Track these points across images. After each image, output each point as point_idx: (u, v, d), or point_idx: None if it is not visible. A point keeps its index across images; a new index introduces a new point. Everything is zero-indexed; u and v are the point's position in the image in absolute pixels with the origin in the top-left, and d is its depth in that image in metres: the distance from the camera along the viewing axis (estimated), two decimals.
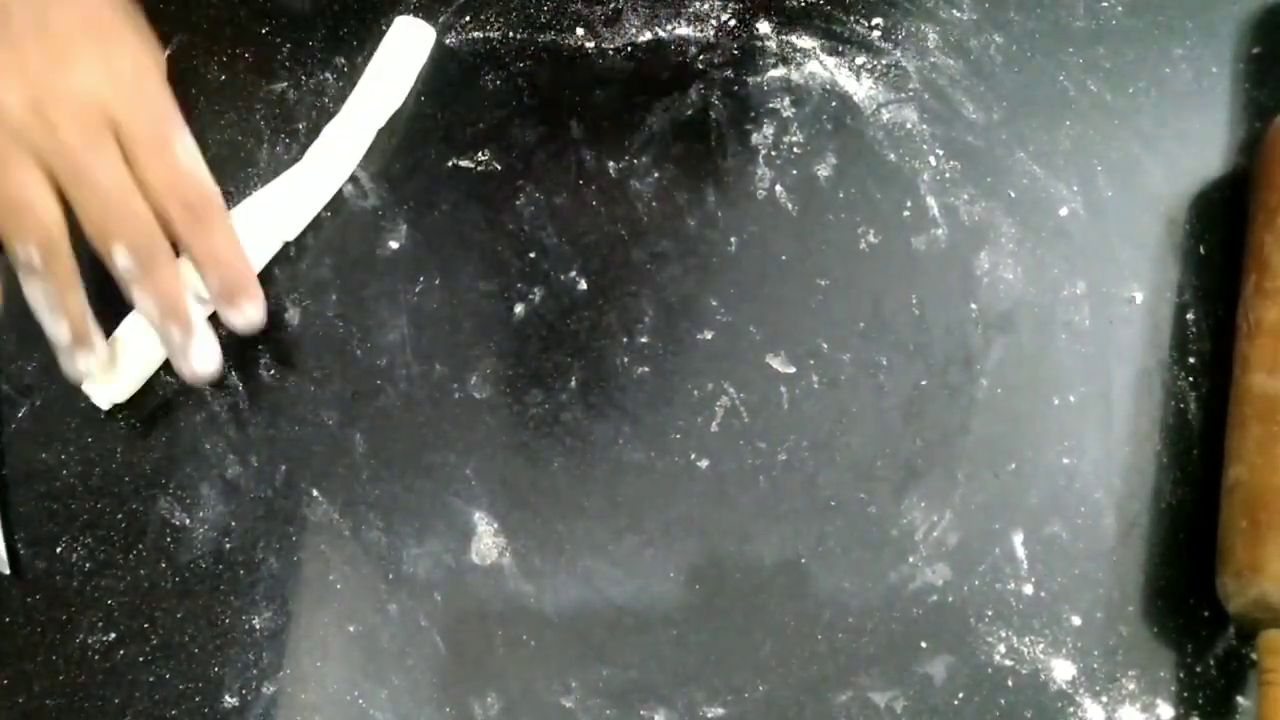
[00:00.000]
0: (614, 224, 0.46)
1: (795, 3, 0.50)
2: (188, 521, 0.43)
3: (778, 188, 0.47)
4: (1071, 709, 0.41)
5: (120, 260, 0.39)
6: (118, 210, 0.38)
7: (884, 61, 0.49)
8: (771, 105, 0.48)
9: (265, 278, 0.46)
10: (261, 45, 0.49)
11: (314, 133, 0.48)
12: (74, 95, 0.38)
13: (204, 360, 0.41)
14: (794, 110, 0.48)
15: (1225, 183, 0.48)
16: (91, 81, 0.38)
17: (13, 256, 0.39)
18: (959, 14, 0.50)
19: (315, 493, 0.43)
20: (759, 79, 0.49)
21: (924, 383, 0.45)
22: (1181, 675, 0.42)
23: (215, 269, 0.40)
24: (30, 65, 0.38)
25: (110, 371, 0.42)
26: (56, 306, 0.39)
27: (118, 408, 0.44)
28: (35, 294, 0.40)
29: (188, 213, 0.39)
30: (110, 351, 0.41)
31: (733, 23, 0.50)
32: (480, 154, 0.48)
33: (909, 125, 0.48)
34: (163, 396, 0.44)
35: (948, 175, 0.47)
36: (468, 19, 0.50)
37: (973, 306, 0.46)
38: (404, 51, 0.47)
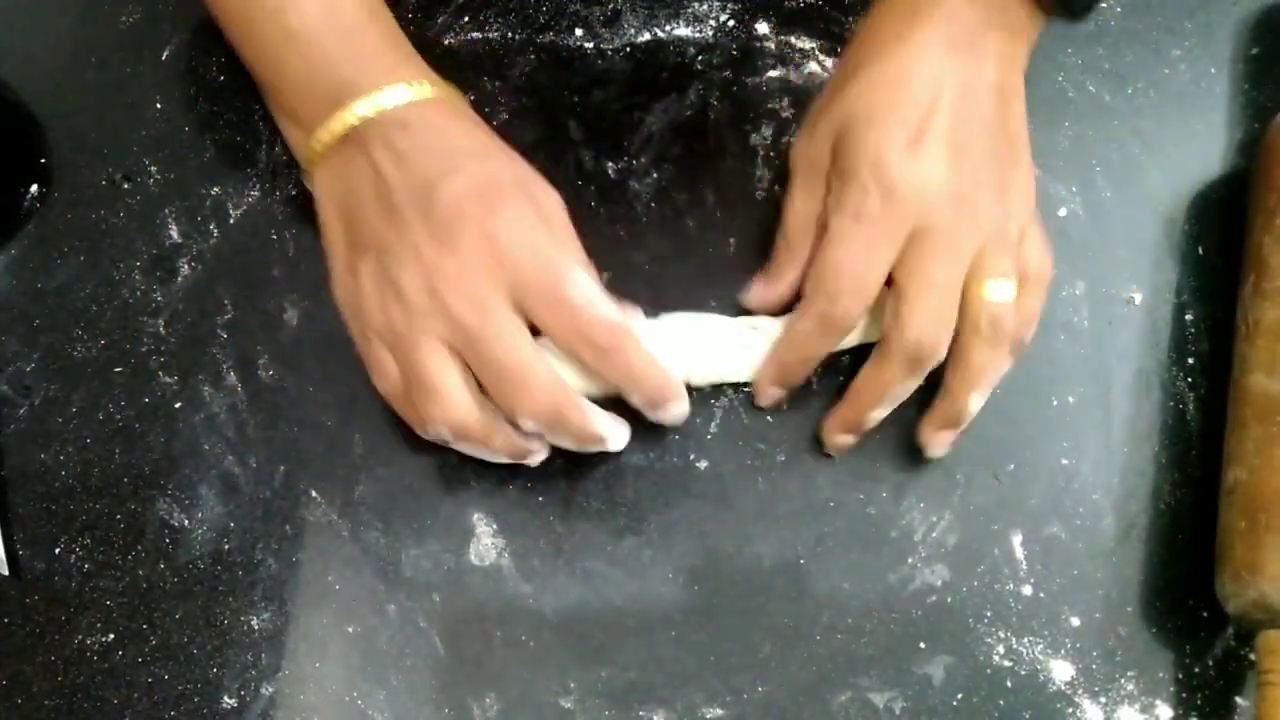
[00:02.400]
0: (613, 224, 0.46)
1: (794, 4, 0.50)
2: (186, 522, 0.43)
3: (777, 188, 0.47)
4: (1070, 709, 0.41)
5: (527, 426, 0.40)
6: (516, 384, 0.38)
7: None
8: (770, 106, 0.48)
9: (265, 278, 0.46)
10: None
11: None
12: (462, 272, 0.38)
13: (621, 438, 0.42)
14: (793, 111, 0.48)
15: (1224, 183, 0.48)
16: (477, 255, 0.38)
17: (429, 424, 0.40)
18: None
19: (314, 493, 0.43)
20: (758, 80, 0.49)
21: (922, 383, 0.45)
22: (1180, 676, 0.42)
23: (636, 389, 0.40)
24: (421, 248, 0.38)
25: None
26: (480, 453, 0.41)
27: (117, 407, 0.44)
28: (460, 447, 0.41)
29: (598, 353, 0.39)
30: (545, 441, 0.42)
31: (731, 23, 0.50)
32: None
33: None
34: (161, 397, 0.44)
35: None
36: (467, 19, 0.50)
37: None
38: None
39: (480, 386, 0.39)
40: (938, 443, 0.43)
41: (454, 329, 0.38)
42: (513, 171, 0.41)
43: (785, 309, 0.44)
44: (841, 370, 0.45)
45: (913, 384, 0.41)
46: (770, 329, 0.43)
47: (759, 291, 0.44)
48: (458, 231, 0.38)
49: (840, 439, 0.43)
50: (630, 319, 0.40)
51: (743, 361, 0.43)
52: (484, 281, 0.38)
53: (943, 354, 0.40)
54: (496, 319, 0.38)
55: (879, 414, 0.42)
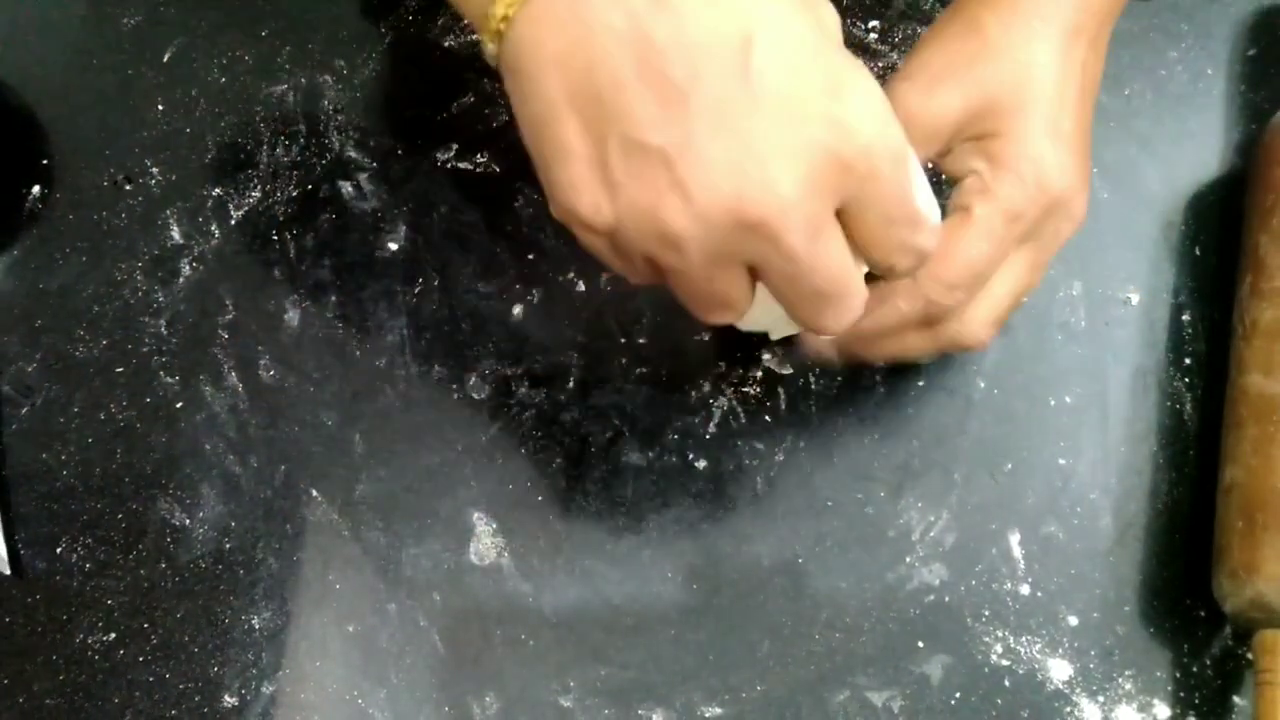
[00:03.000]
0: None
1: None
2: (187, 522, 0.43)
3: None
4: (1068, 709, 0.41)
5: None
6: (835, 305, 0.31)
7: (880, 64, 0.49)
8: None
9: (266, 278, 0.46)
10: (262, 47, 0.49)
11: (313, 134, 0.48)
12: (798, 182, 0.28)
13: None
14: None
15: (1221, 184, 0.48)
16: (819, 157, 0.28)
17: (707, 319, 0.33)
18: None
19: (314, 493, 0.43)
20: None
21: (920, 383, 0.45)
22: (1178, 675, 0.42)
23: (940, 296, 0.37)
24: (735, 157, 0.28)
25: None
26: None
27: (119, 407, 0.44)
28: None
29: (917, 260, 0.32)
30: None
31: None
32: (479, 156, 0.48)
33: None
34: (163, 397, 0.44)
35: (945, 177, 0.47)
36: (466, 21, 0.50)
37: None
38: None
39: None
40: (902, 349, 0.40)
41: (772, 253, 0.29)
42: (824, 17, 0.30)
43: None
44: (839, 370, 0.45)
45: (933, 357, 0.40)
46: None
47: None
48: (791, 127, 0.28)
49: (829, 353, 0.42)
50: None
51: None
52: (824, 193, 0.29)
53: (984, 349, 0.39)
54: (828, 242, 0.30)
55: (885, 359, 0.42)
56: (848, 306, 0.31)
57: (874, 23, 0.50)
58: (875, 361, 0.42)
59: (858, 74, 0.29)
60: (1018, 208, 0.37)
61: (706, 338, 0.45)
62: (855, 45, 0.50)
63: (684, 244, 0.29)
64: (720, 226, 0.28)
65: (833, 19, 0.30)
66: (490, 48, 0.30)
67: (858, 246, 0.31)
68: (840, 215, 0.30)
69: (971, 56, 0.37)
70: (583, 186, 0.30)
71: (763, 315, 0.36)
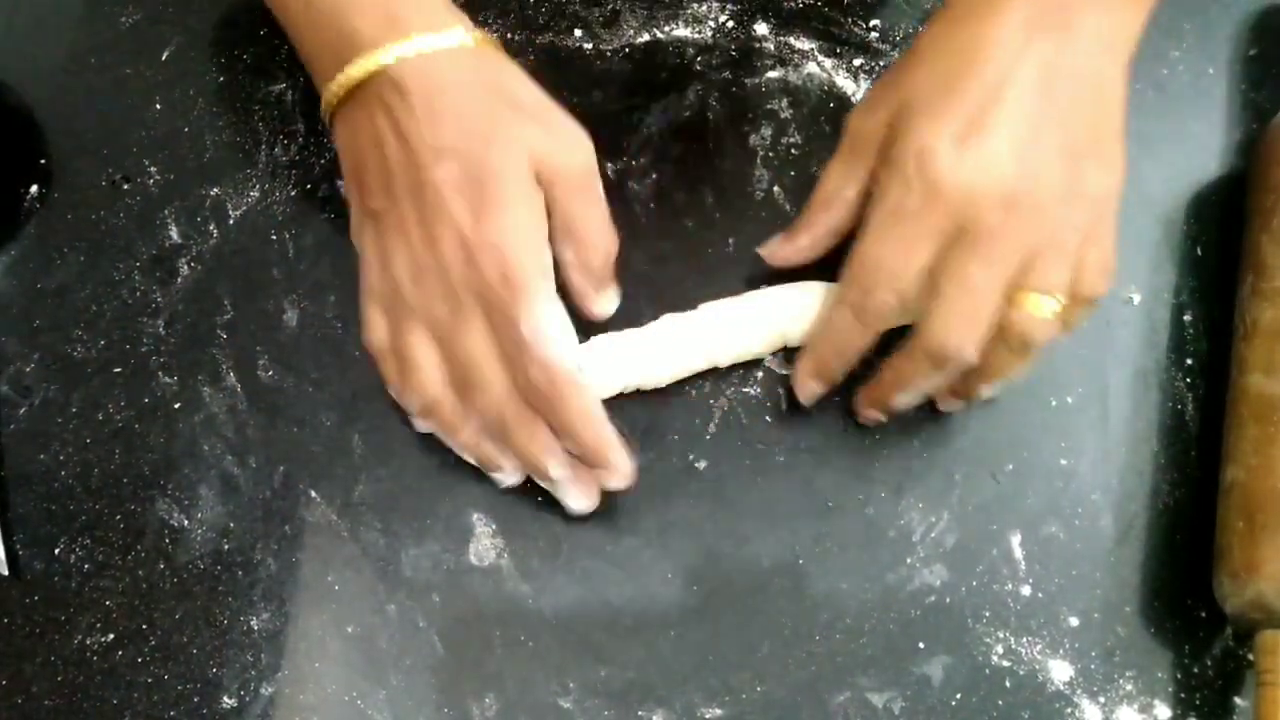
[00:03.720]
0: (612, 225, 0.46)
1: (793, 4, 0.50)
2: (186, 523, 0.43)
3: (776, 188, 0.47)
4: (1069, 709, 0.41)
5: (469, 427, 0.41)
6: (471, 384, 0.39)
7: (881, 63, 0.49)
8: (769, 106, 0.48)
9: (264, 278, 0.46)
10: (260, 47, 0.49)
11: (312, 134, 0.48)
12: (440, 270, 0.39)
13: (577, 505, 0.41)
14: (792, 111, 0.48)
15: (1222, 184, 0.48)
16: (453, 257, 0.38)
17: (400, 398, 0.42)
18: None
19: (313, 494, 0.43)
20: (757, 80, 0.49)
21: None
22: (1179, 675, 0.42)
23: (568, 439, 0.40)
24: (409, 233, 0.39)
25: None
26: (452, 443, 0.42)
27: (117, 408, 0.44)
28: (435, 430, 0.42)
29: (533, 390, 0.39)
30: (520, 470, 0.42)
31: (730, 24, 0.50)
32: None
33: None
34: (161, 398, 0.44)
35: None
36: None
37: None
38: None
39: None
40: (945, 405, 0.43)
41: (431, 319, 0.40)
42: (506, 156, 0.38)
43: (792, 274, 0.43)
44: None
45: (940, 380, 0.40)
46: (777, 298, 0.43)
47: (776, 247, 0.44)
48: (439, 229, 0.38)
49: (870, 413, 0.43)
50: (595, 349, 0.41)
51: (758, 335, 0.43)
52: (457, 280, 0.39)
53: (972, 358, 0.38)
54: (464, 321, 0.39)
55: (906, 400, 0.41)
56: (484, 396, 0.40)
57: (875, 21, 0.50)
58: (898, 404, 0.42)
59: (506, 200, 0.38)
60: (901, 203, 0.37)
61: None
62: (856, 45, 0.50)
63: (387, 285, 0.40)
64: (400, 276, 0.40)
65: (512, 157, 0.39)
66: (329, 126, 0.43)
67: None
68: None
69: (900, 65, 0.40)
70: (353, 230, 0.42)
71: None
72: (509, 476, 0.42)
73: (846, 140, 0.42)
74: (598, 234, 0.41)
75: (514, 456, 0.41)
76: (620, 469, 0.40)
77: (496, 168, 0.38)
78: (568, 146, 0.39)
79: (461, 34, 0.39)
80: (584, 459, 0.40)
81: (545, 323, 0.38)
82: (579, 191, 0.40)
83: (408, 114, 0.38)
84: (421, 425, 0.42)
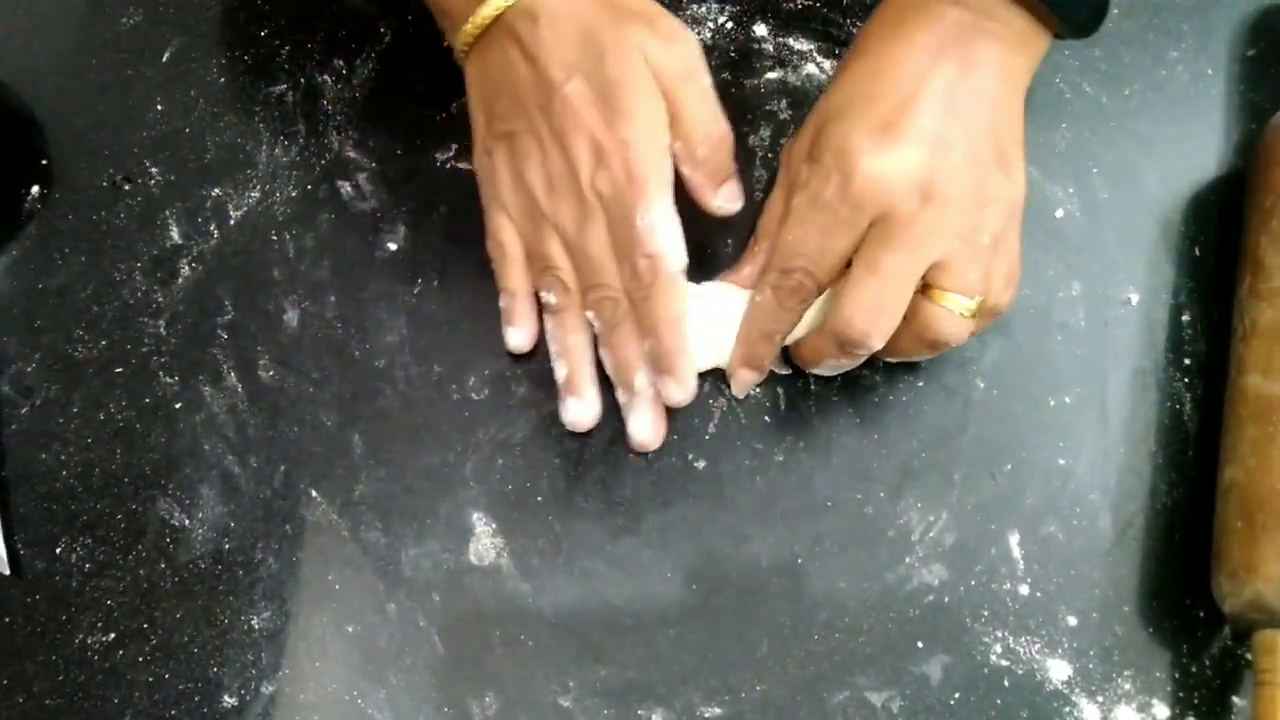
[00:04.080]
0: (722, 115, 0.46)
1: (792, 5, 0.50)
2: (187, 522, 0.43)
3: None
4: (1067, 709, 0.41)
5: (591, 319, 0.43)
6: (592, 279, 0.42)
7: None
8: (769, 107, 0.49)
9: (265, 279, 0.46)
10: (261, 48, 0.49)
11: (313, 134, 0.48)
12: (570, 176, 0.41)
13: (639, 430, 0.43)
14: (791, 112, 0.48)
15: (1220, 184, 0.48)
16: (583, 160, 0.41)
17: (544, 300, 0.44)
18: None
19: (314, 493, 0.43)
20: (756, 81, 0.49)
21: (920, 384, 0.45)
22: (1177, 675, 0.42)
23: (651, 337, 0.42)
24: (543, 145, 0.42)
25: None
26: (558, 348, 0.44)
27: (118, 408, 0.44)
28: (548, 331, 0.44)
29: (634, 279, 0.41)
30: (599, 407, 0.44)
31: (730, 25, 0.50)
32: None
33: None
34: (162, 398, 0.44)
35: None
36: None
37: None
38: None
39: None
40: (817, 359, 0.43)
41: (561, 225, 0.42)
42: (630, 70, 0.41)
43: None
44: (838, 384, 0.45)
45: (849, 363, 0.42)
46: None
47: (724, 278, 0.45)
48: (572, 137, 0.41)
49: (746, 374, 0.44)
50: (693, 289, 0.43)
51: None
52: (585, 187, 0.41)
53: (878, 344, 0.40)
54: (591, 221, 0.41)
55: (819, 372, 0.44)
56: (606, 291, 0.42)
57: None
58: (814, 370, 0.44)
59: (631, 107, 0.40)
60: (820, 191, 0.40)
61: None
62: None
63: (520, 198, 0.43)
64: (535, 188, 0.42)
65: (636, 71, 0.41)
66: (462, 65, 0.45)
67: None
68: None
69: (822, 98, 0.43)
70: (478, 155, 0.45)
71: (705, 355, 0.43)
72: (586, 409, 0.43)
73: (781, 170, 0.44)
74: (705, 122, 0.42)
75: (610, 361, 0.43)
76: (686, 382, 0.42)
77: (618, 76, 0.41)
78: (671, 41, 0.41)
79: None
80: (658, 362, 0.42)
81: (660, 219, 0.41)
82: (683, 82, 0.41)
83: (535, 39, 0.41)
84: (515, 338, 0.44)
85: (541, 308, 0.44)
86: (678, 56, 0.41)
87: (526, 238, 0.44)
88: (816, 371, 0.44)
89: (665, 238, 0.41)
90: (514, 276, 0.44)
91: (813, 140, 0.42)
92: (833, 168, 0.39)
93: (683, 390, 0.42)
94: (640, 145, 0.40)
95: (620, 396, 0.43)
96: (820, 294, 0.42)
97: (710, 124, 0.42)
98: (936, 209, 0.39)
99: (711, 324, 0.43)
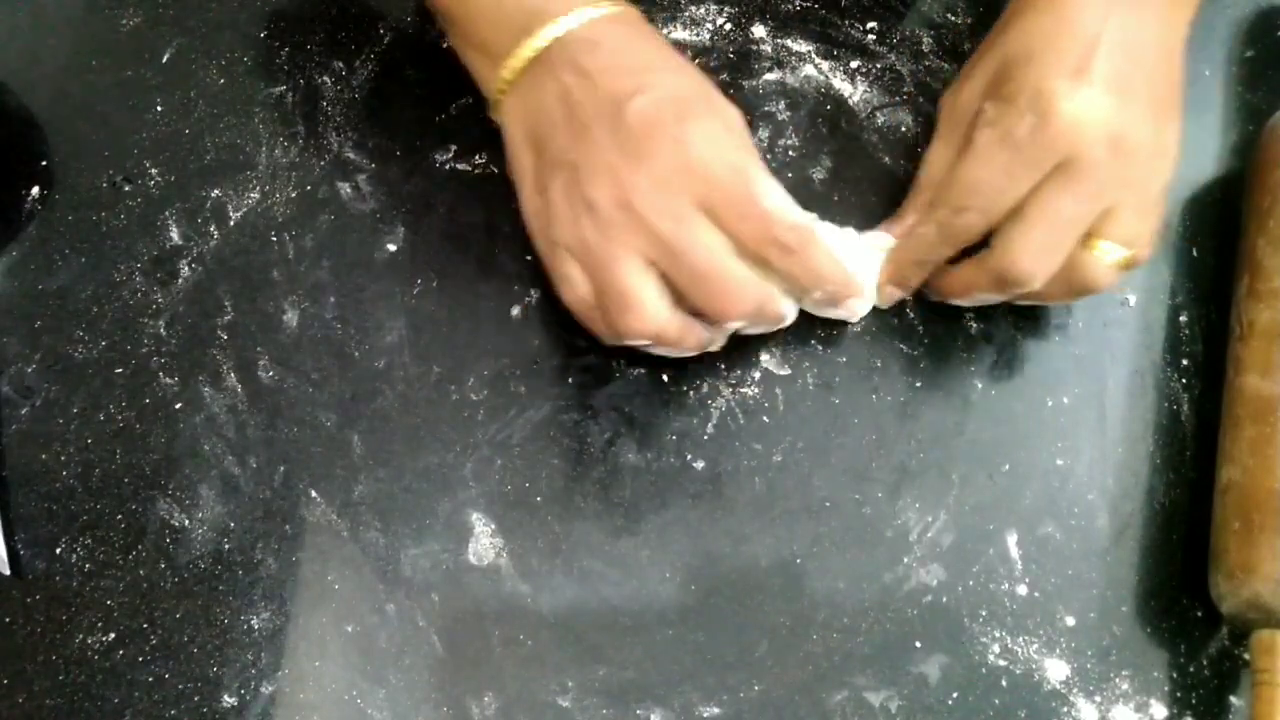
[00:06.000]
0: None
1: (790, 7, 0.50)
2: (187, 522, 0.43)
3: None
4: (1065, 709, 0.41)
5: (737, 327, 0.42)
6: (720, 291, 0.40)
7: (879, 65, 0.49)
8: (767, 108, 0.49)
9: (264, 279, 0.46)
10: (260, 49, 0.49)
11: (312, 135, 0.48)
12: (655, 184, 0.39)
13: (855, 309, 0.44)
14: (789, 113, 0.49)
15: (1218, 186, 0.48)
16: (669, 167, 0.39)
17: (620, 331, 0.41)
18: (953, 18, 0.50)
19: (313, 493, 0.43)
20: (754, 82, 0.49)
21: (918, 384, 0.45)
22: (1175, 675, 0.42)
23: (819, 287, 0.42)
24: (613, 163, 0.39)
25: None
26: (669, 352, 0.43)
27: (118, 408, 0.44)
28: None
29: (785, 253, 0.40)
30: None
31: (728, 26, 0.50)
32: (477, 157, 0.48)
33: (904, 128, 0.48)
34: (162, 398, 0.44)
35: None
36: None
37: (967, 309, 0.46)
38: None
39: (675, 293, 0.40)
40: (967, 293, 0.44)
41: (650, 240, 0.39)
42: (696, 85, 0.41)
43: None
44: (838, 371, 0.45)
45: (999, 298, 0.43)
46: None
47: (887, 229, 0.45)
48: (649, 145, 0.39)
49: (893, 291, 0.45)
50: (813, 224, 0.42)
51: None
52: (677, 192, 0.39)
53: (1039, 286, 0.40)
54: (692, 227, 0.39)
55: (957, 302, 0.44)
56: (736, 295, 0.40)
57: (872, 24, 0.50)
58: (955, 301, 0.45)
59: (707, 110, 0.40)
60: (1013, 129, 0.39)
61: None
62: (853, 47, 0.50)
63: (585, 231, 0.39)
64: (605, 210, 0.39)
65: (703, 86, 0.41)
66: (492, 114, 0.44)
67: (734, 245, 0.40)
68: (710, 217, 0.39)
69: (992, 40, 0.43)
70: (529, 197, 0.42)
71: None
72: (721, 341, 0.43)
73: (943, 119, 0.44)
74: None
75: (766, 326, 0.43)
76: (863, 291, 0.43)
77: (690, 89, 0.41)
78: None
79: (629, 6, 0.43)
80: (832, 299, 0.43)
81: (778, 190, 0.40)
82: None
83: (598, 63, 0.40)
84: (647, 350, 0.43)
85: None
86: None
87: (596, 275, 0.40)
88: (959, 302, 0.44)
89: (794, 206, 0.40)
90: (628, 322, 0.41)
91: (994, 82, 0.41)
92: (1027, 108, 0.39)
93: (867, 299, 0.44)
94: (732, 140, 0.40)
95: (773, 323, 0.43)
96: (986, 234, 0.41)
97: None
98: (1123, 160, 0.39)
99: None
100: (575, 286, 0.41)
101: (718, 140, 0.39)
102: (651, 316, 0.40)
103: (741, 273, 0.40)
